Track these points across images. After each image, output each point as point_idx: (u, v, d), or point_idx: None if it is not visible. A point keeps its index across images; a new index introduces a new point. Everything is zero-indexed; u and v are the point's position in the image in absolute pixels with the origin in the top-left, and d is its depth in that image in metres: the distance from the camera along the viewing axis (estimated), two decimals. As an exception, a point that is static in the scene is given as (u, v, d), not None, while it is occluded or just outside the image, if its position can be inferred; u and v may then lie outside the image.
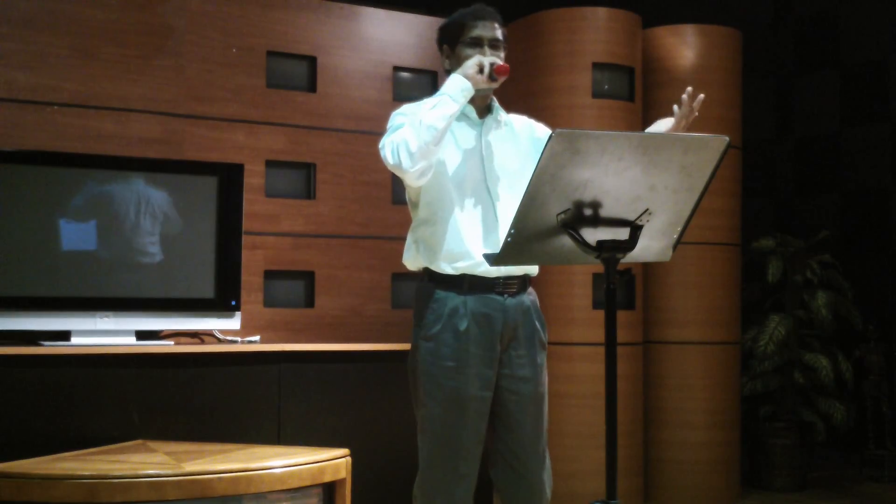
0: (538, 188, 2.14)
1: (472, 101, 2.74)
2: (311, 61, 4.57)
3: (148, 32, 4.22)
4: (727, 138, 2.27)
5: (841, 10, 6.78)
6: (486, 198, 2.69)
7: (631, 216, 2.26)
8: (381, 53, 4.69)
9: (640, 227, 2.28)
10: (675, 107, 2.63)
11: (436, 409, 2.64)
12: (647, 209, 2.26)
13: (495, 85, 2.69)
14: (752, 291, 5.80)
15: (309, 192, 4.54)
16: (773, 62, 7.13)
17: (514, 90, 4.93)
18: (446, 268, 2.66)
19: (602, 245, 2.24)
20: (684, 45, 5.12)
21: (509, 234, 2.21)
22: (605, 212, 2.23)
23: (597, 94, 4.79)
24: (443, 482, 2.63)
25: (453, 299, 2.64)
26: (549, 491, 2.74)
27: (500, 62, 2.67)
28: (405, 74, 4.76)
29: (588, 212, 2.21)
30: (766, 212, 7.08)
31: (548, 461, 2.76)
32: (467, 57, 2.69)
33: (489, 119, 2.78)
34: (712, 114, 5.07)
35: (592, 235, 2.24)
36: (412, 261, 2.77)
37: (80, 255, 3.86)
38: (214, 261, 4.05)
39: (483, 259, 2.61)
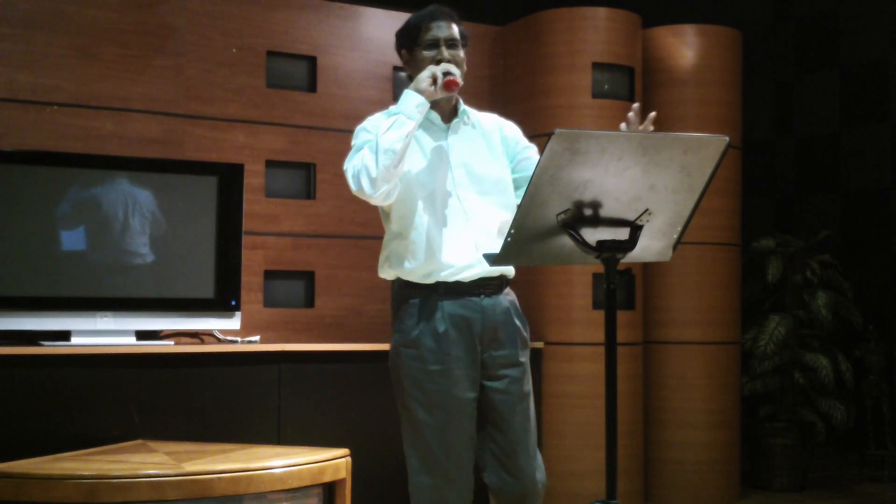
0: (538, 188, 2.14)
1: (435, 106, 2.71)
2: (311, 61, 4.57)
3: (148, 32, 4.22)
4: (727, 138, 2.26)
5: (841, 10, 6.78)
6: (458, 205, 2.66)
7: (631, 216, 2.26)
8: (381, 53, 4.69)
9: (640, 227, 2.28)
10: (623, 125, 2.51)
11: (421, 413, 2.62)
12: (647, 209, 2.26)
13: (452, 94, 2.65)
14: (752, 291, 5.79)
15: (309, 192, 4.54)
16: (773, 62, 7.13)
17: (515, 90, 4.93)
18: (421, 279, 2.66)
19: (602, 245, 2.24)
20: (684, 45, 5.11)
21: (509, 234, 2.21)
22: (605, 212, 2.23)
23: (597, 94, 4.78)
24: (434, 488, 2.62)
25: (429, 304, 2.64)
26: (542, 489, 2.73)
27: (454, 73, 2.62)
28: (405, 74, 4.74)
29: (588, 212, 2.21)
30: (766, 212, 7.08)
31: (539, 459, 2.74)
32: (424, 59, 2.68)
33: (455, 122, 2.75)
34: (712, 114, 5.07)
35: (592, 235, 2.23)
36: (387, 274, 2.76)
37: (80, 256, 3.86)
38: (214, 261, 4.05)
39: (457, 266, 2.62)
